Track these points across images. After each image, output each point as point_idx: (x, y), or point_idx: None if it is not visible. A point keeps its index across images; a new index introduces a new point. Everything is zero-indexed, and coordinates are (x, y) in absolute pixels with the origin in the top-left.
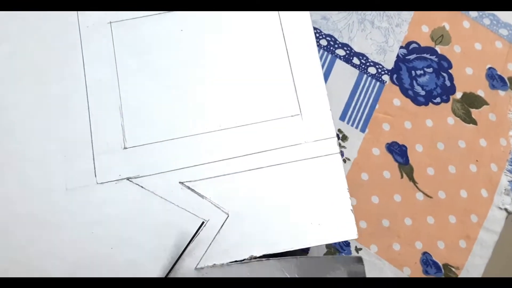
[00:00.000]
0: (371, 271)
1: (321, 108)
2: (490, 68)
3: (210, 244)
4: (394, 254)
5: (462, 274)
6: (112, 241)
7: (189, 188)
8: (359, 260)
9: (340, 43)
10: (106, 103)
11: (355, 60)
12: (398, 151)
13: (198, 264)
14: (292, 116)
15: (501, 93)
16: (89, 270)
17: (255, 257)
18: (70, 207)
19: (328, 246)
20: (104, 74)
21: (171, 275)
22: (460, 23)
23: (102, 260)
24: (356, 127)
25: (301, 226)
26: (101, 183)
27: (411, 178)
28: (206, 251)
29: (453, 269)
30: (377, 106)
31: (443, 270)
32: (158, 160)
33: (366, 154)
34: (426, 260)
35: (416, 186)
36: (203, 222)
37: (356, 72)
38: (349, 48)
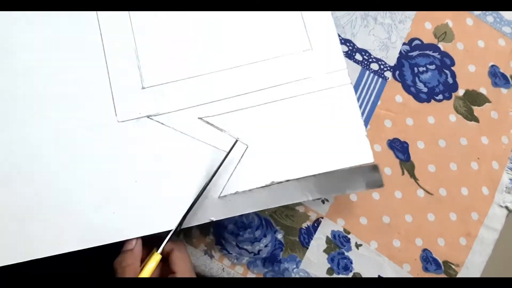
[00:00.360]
0: (370, 267)
1: (330, 42)
2: (492, 65)
3: (232, 173)
4: (394, 251)
5: (462, 271)
6: (135, 175)
7: (208, 123)
8: (376, 168)
9: (342, 38)
10: (121, 45)
11: (358, 56)
12: (399, 147)
13: (221, 192)
14: (303, 51)
15: (504, 91)
16: (115, 201)
17: (276, 182)
18: (92, 145)
19: (329, 241)
20: (117, 16)
21: (196, 205)
22: (464, 20)
23: (127, 193)
24: None
25: (318, 153)
26: (122, 121)
27: (412, 175)
28: (228, 180)
29: (453, 266)
30: (379, 103)
31: (443, 267)
32: (176, 98)
33: None
34: (426, 257)
35: (417, 183)
36: (236, 140)
37: (358, 68)
38: (351, 44)
